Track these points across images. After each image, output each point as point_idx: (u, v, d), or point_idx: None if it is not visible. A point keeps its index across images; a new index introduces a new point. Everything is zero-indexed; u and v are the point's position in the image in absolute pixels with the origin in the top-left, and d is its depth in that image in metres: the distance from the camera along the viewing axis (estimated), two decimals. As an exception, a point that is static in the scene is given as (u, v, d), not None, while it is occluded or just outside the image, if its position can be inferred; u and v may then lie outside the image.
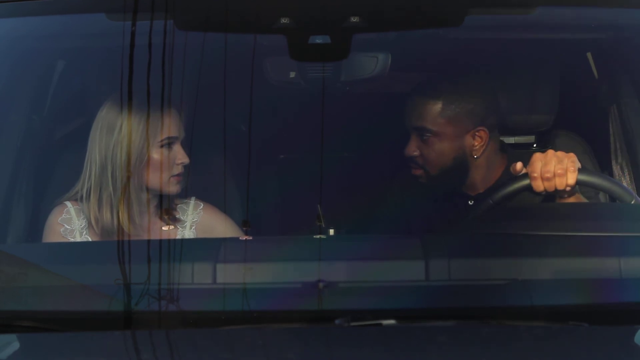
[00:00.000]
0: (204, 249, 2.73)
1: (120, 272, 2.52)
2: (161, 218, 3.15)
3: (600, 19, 3.21)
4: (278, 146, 3.85)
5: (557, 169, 2.98)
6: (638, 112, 3.37)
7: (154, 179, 3.06)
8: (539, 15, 3.10)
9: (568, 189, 3.00)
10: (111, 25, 2.99)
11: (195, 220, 3.18)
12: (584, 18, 3.21)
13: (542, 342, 2.32)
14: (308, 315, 2.38)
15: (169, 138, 3.06)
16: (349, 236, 3.14)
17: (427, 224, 3.32)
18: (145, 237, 3.06)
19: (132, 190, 3.04)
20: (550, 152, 3.03)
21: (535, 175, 3.00)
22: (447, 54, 3.38)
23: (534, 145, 3.59)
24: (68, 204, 3.13)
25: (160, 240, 3.03)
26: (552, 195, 3.04)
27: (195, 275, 2.50)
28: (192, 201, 3.21)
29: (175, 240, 3.03)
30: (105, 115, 3.05)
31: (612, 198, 3.06)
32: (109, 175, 3.03)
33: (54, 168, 3.33)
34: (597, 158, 3.48)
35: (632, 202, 2.97)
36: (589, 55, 3.57)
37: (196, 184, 3.19)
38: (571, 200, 3.04)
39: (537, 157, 3.02)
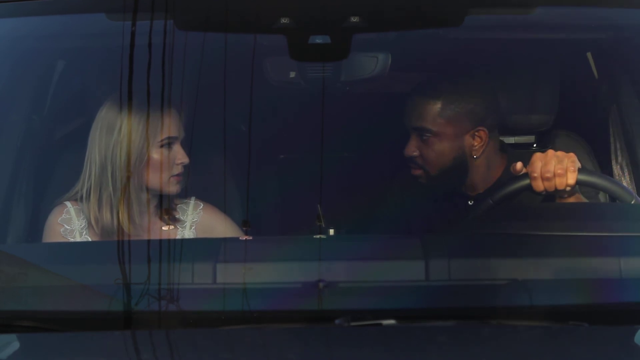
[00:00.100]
0: (204, 249, 2.73)
1: (120, 272, 2.52)
2: (161, 218, 3.15)
3: (600, 19, 3.21)
4: (278, 146, 3.85)
5: (557, 168, 2.98)
6: (638, 112, 3.37)
7: (154, 179, 3.06)
8: (539, 15, 3.10)
9: (568, 188, 3.00)
10: (111, 25, 2.99)
11: (195, 220, 3.18)
12: (584, 18, 3.21)
13: (542, 342, 2.32)
14: (308, 315, 2.38)
15: (168, 138, 3.06)
16: (349, 236, 3.14)
17: (427, 224, 3.32)
18: (145, 237, 3.06)
19: (132, 190, 3.04)
20: (550, 152, 3.03)
21: (535, 175, 3.00)
22: (447, 54, 3.38)
23: (534, 145, 3.59)
24: (68, 204, 3.13)
25: (160, 240, 3.03)
26: (552, 195, 3.04)
27: (195, 275, 2.50)
28: (192, 201, 3.21)
29: (175, 240, 3.03)
30: (105, 115, 3.05)
31: (612, 198, 3.06)
32: (109, 175, 3.03)
33: (54, 168, 3.33)
34: (597, 158, 3.48)
35: (632, 202, 2.97)
36: (589, 55, 3.57)
37: (196, 184, 3.19)
38: (571, 200, 3.04)
39: (537, 157, 3.02)
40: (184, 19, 2.95)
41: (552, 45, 3.42)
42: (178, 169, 3.08)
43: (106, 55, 3.08)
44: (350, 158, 3.71)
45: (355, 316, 2.30)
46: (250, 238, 2.87)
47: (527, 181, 3.02)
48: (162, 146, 3.06)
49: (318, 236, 2.74)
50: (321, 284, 2.44)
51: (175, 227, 3.16)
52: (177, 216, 3.17)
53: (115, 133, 3.03)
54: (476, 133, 3.30)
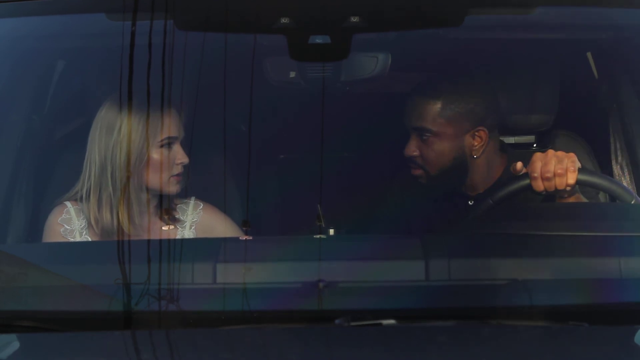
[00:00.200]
0: (204, 249, 2.73)
1: (120, 272, 2.52)
2: (161, 218, 3.15)
3: (600, 19, 3.21)
4: (278, 146, 3.85)
5: (557, 168, 2.98)
6: (638, 112, 3.37)
7: (154, 179, 3.06)
8: (539, 15, 3.10)
9: (568, 188, 3.00)
10: (111, 25, 2.99)
11: (195, 220, 3.18)
12: (584, 18, 3.21)
13: (542, 342, 2.32)
14: (308, 315, 2.38)
15: (168, 138, 3.06)
16: (349, 236, 3.14)
17: (427, 224, 3.32)
18: (145, 237, 3.06)
19: (132, 191, 3.04)
20: (550, 152, 3.03)
21: (535, 175, 3.00)
22: (447, 54, 3.38)
23: (534, 145, 3.59)
24: (68, 204, 3.13)
25: (160, 240, 3.03)
26: (552, 195, 3.04)
27: (195, 275, 2.50)
28: (192, 201, 3.21)
29: (175, 240, 3.03)
30: (105, 115, 3.05)
31: (612, 198, 3.06)
32: (109, 175, 3.03)
33: (54, 168, 3.33)
34: (597, 158, 3.48)
35: (632, 202, 2.97)
36: (589, 55, 3.57)
37: (196, 184, 3.19)
38: (571, 200, 3.04)
39: (537, 157, 3.02)
40: (184, 19, 2.95)
41: (552, 45, 3.42)
42: (178, 169, 3.08)
43: (106, 55, 3.08)
44: (350, 158, 3.71)
45: (355, 316, 2.30)
46: (250, 238, 2.87)
47: (527, 181, 3.02)
48: (162, 146, 3.06)
49: (318, 236, 2.74)
50: (321, 284, 2.44)
51: (175, 227, 3.16)
52: (177, 216, 3.17)
53: (115, 133, 3.03)
54: (476, 133, 3.30)
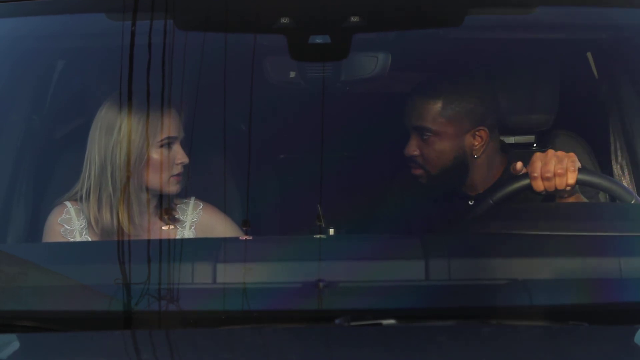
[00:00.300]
0: (204, 249, 2.73)
1: (120, 272, 2.52)
2: (161, 218, 3.15)
3: (600, 19, 3.21)
4: (278, 146, 3.85)
5: (557, 168, 2.98)
6: (638, 112, 3.37)
7: (154, 179, 3.06)
8: (539, 15, 3.10)
9: (568, 188, 3.00)
10: (111, 25, 2.99)
11: (195, 220, 3.18)
12: (584, 18, 3.21)
13: (542, 342, 2.32)
14: (308, 315, 2.38)
15: (168, 138, 3.06)
16: (349, 236, 3.14)
17: (427, 224, 3.31)
18: (145, 237, 3.06)
19: (132, 191, 3.04)
20: (551, 151, 3.03)
21: (536, 175, 3.00)
22: (447, 54, 3.38)
23: (534, 145, 3.59)
24: (68, 204, 3.13)
25: (160, 240, 3.03)
26: (552, 195, 3.04)
27: (195, 275, 2.50)
28: (192, 201, 3.21)
29: (175, 240, 3.03)
30: (105, 115, 3.05)
31: (612, 198, 3.06)
32: (109, 175, 3.03)
33: (54, 168, 3.33)
34: (597, 158, 3.47)
35: (632, 202, 2.97)
36: (589, 55, 3.57)
37: (196, 184, 3.19)
38: (571, 200, 3.04)
39: (537, 156, 3.02)
40: (184, 19, 2.95)
41: (552, 45, 3.42)
42: (178, 169, 3.08)
43: (106, 55, 3.08)
44: (350, 158, 3.70)
45: (355, 316, 2.30)
46: (250, 238, 2.87)
47: (527, 181, 3.02)
48: (161, 146, 3.06)
49: (318, 236, 2.74)
50: (321, 284, 2.44)
51: (175, 227, 3.16)
52: (176, 216, 3.17)
53: (114, 133, 3.03)
54: (477, 133, 3.30)
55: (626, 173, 3.38)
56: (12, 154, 3.20)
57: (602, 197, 3.21)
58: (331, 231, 2.77)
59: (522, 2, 3.09)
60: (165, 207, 3.14)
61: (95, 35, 3.16)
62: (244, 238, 2.93)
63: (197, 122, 3.08)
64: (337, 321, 2.29)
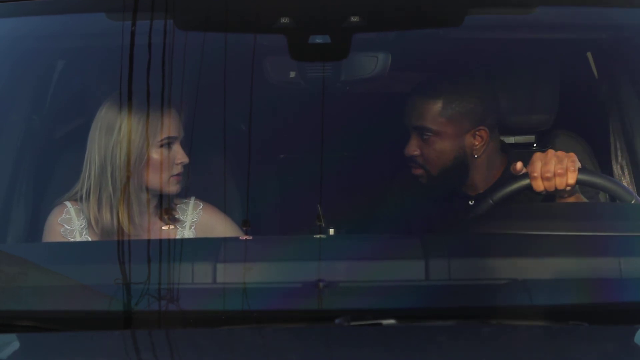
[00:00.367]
0: (204, 248, 2.73)
1: (120, 272, 2.52)
2: (161, 218, 3.15)
3: (600, 19, 3.21)
4: (278, 146, 3.85)
5: (557, 168, 2.98)
6: (638, 112, 3.37)
7: (154, 179, 3.06)
8: (539, 15, 3.10)
9: (568, 188, 3.00)
10: (111, 25, 2.99)
11: (195, 220, 3.18)
12: (584, 18, 3.21)
13: (542, 342, 2.32)
14: (308, 315, 2.38)
15: (168, 138, 3.06)
16: (349, 236, 3.14)
17: (427, 224, 3.31)
18: (145, 237, 3.06)
19: (132, 191, 3.04)
20: (551, 151, 3.03)
21: (536, 175, 3.00)
22: (447, 54, 3.38)
23: (534, 145, 3.59)
24: (68, 204, 3.13)
25: (160, 240, 3.03)
26: (552, 195, 3.04)
27: (195, 275, 2.50)
28: (192, 201, 3.21)
29: (175, 240, 3.03)
30: (105, 115, 3.05)
31: (612, 198, 3.06)
32: (109, 175, 3.03)
33: (54, 168, 3.33)
34: (597, 158, 3.47)
35: (632, 202, 2.97)
36: (589, 55, 3.57)
37: (196, 184, 3.19)
38: (571, 200, 3.04)
39: (537, 156, 3.02)
40: (184, 19, 2.95)
41: (552, 45, 3.42)
42: (178, 169, 3.08)
43: (106, 55, 3.08)
44: (350, 158, 3.70)
45: (355, 316, 2.30)
46: (250, 238, 2.87)
47: (527, 181, 3.02)
48: (161, 146, 3.06)
49: (318, 236, 2.74)
50: (321, 284, 2.44)
51: (175, 227, 3.16)
52: (176, 216, 3.17)
53: (114, 133, 3.03)
54: (477, 132, 3.30)
55: (626, 173, 3.38)
56: (12, 154, 3.20)
57: (602, 197, 3.21)
58: (331, 231, 2.77)
59: (522, 2, 3.09)
60: (165, 207, 3.14)
61: (95, 35, 3.16)
62: (244, 238, 2.93)
63: (197, 122, 3.08)
64: (337, 321, 2.29)
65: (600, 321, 2.36)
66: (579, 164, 3.01)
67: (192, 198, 3.21)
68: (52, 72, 3.40)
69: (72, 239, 3.08)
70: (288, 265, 2.56)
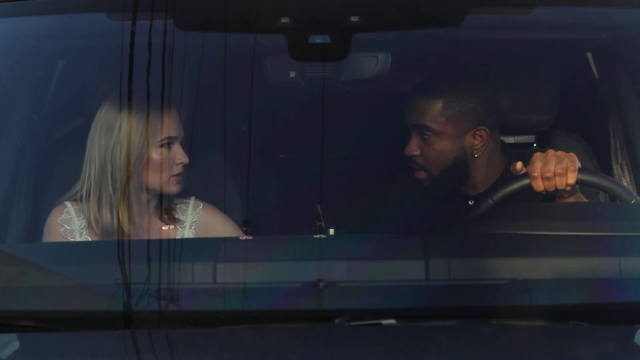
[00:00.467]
0: (204, 248, 2.73)
1: (120, 272, 2.52)
2: (161, 218, 3.15)
3: (600, 19, 3.21)
4: (278, 146, 3.85)
5: (557, 168, 2.98)
6: (638, 112, 3.37)
7: (154, 179, 3.06)
8: (539, 15, 3.10)
9: (568, 188, 3.00)
10: (111, 25, 2.99)
11: (195, 220, 3.18)
12: (584, 18, 3.21)
13: (542, 342, 2.32)
14: (308, 315, 2.38)
15: (168, 138, 3.06)
16: (349, 236, 3.14)
17: (427, 224, 3.31)
18: (145, 237, 3.06)
19: (132, 191, 3.04)
20: (551, 151, 3.03)
21: (536, 174, 3.00)
22: (447, 54, 3.38)
23: (534, 145, 3.59)
24: (68, 204, 3.13)
25: (160, 240, 3.03)
26: (552, 195, 3.04)
27: (195, 275, 2.50)
28: (192, 201, 3.21)
29: (175, 240, 3.03)
30: (105, 115, 3.05)
31: (612, 198, 3.06)
32: (109, 175, 3.03)
33: (54, 168, 3.33)
34: (597, 158, 3.48)
35: (632, 202, 2.97)
36: (589, 55, 3.57)
37: (196, 184, 3.19)
38: (571, 200, 3.04)
39: (537, 156, 3.02)
40: (184, 19, 2.95)
41: (552, 45, 3.42)
42: (178, 169, 3.08)
43: (106, 55, 3.08)
44: (350, 158, 3.70)
45: (355, 316, 2.30)
46: (250, 238, 2.87)
47: (527, 181, 3.02)
48: (161, 146, 3.06)
49: (318, 236, 2.74)
50: (321, 284, 2.44)
51: (175, 227, 3.16)
52: (176, 216, 3.17)
53: (114, 133, 3.03)
54: (477, 132, 3.30)
55: (626, 173, 3.38)
56: (12, 154, 3.20)
57: (602, 197, 3.21)
58: (331, 231, 2.77)
59: (522, 2, 3.09)
60: (165, 207, 3.14)
61: (95, 35, 3.16)
62: (244, 238, 2.93)
63: (197, 122, 3.08)
64: (337, 321, 2.29)
65: (600, 321, 2.36)
66: (579, 164, 3.01)
67: (192, 198, 3.21)
68: (52, 72, 3.40)
69: (72, 239, 3.08)
70: (288, 265, 2.56)
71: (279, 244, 2.77)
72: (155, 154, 3.04)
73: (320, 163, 3.05)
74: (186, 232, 3.16)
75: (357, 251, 2.64)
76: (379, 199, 3.44)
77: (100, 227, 3.05)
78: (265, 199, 3.56)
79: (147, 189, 3.08)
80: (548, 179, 2.99)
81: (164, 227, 3.15)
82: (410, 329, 2.31)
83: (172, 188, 3.10)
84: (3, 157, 3.18)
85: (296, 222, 3.12)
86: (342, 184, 3.22)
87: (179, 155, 3.07)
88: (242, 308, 2.41)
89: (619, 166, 3.41)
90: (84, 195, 3.07)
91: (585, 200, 3.11)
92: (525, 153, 3.28)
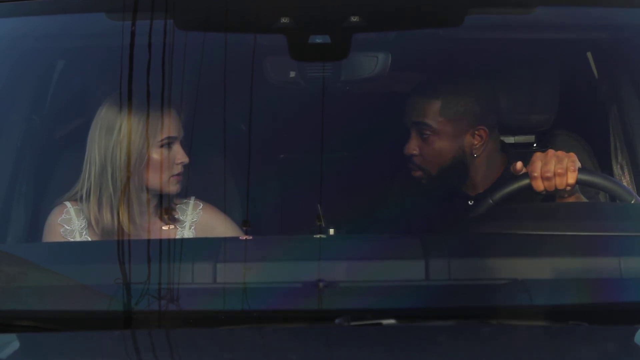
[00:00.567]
0: (204, 248, 2.73)
1: (120, 272, 2.52)
2: (161, 218, 3.15)
3: (600, 19, 3.21)
4: (278, 146, 3.85)
5: (557, 168, 2.98)
6: (638, 112, 3.37)
7: (154, 179, 3.06)
8: (539, 15, 3.10)
9: (568, 188, 3.00)
10: (111, 25, 2.99)
11: (195, 220, 3.18)
12: (584, 18, 3.21)
13: (542, 342, 2.32)
14: (308, 315, 2.38)
15: (168, 138, 3.06)
16: (349, 236, 3.14)
17: (427, 224, 3.31)
18: (145, 237, 3.05)
19: (132, 191, 3.04)
20: (551, 151, 3.03)
21: (536, 174, 3.00)
22: (447, 54, 3.38)
23: (534, 145, 3.59)
24: (68, 204, 3.13)
25: (160, 240, 3.03)
26: (552, 195, 3.04)
27: (195, 275, 2.50)
28: (192, 201, 3.21)
29: (175, 240, 3.03)
30: (105, 115, 3.05)
31: (612, 198, 3.06)
32: (109, 175, 3.03)
33: (54, 168, 3.33)
34: (597, 158, 3.48)
35: (632, 202, 2.97)
36: (589, 55, 3.57)
37: (196, 184, 3.19)
38: (571, 199, 3.04)
39: (537, 156, 3.02)
40: (184, 19, 2.95)
41: (552, 45, 3.42)
42: (178, 169, 3.08)
43: (106, 55, 3.08)
44: (350, 158, 3.70)
45: (355, 316, 2.30)
46: (250, 238, 2.87)
47: (527, 181, 3.02)
48: (162, 146, 3.05)
49: (318, 236, 2.74)
50: (321, 284, 2.44)
51: (174, 227, 3.16)
52: (176, 216, 3.17)
53: (114, 133, 3.03)
54: (476, 132, 3.30)
55: (626, 173, 3.38)
56: (12, 154, 3.20)
57: (602, 197, 3.21)
58: (331, 231, 2.77)
59: (522, 2, 3.09)
60: (165, 207, 3.14)
61: (95, 35, 3.16)
62: (244, 238, 2.93)
63: (197, 122, 3.08)
64: (337, 321, 2.29)
65: (600, 321, 2.36)
66: (579, 164, 3.01)
67: (192, 198, 3.21)
68: (52, 72, 3.40)
69: (72, 239, 3.08)
70: (288, 265, 2.56)
71: (279, 244, 2.77)
72: (156, 154, 3.04)
73: (320, 163, 3.05)
74: (186, 232, 3.16)
75: (357, 251, 2.64)
76: (379, 199, 3.44)
77: (101, 227, 3.05)
78: (265, 199, 3.56)
79: (147, 189, 3.08)
80: (548, 179, 2.99)
81: (164, 227, 3.15)
82: (410, 329, 2.31)
83: (173, 188, 3.10)
84: (3, 157, 3.18)
85: (296, 222, 3.12)
86: (342, 184, 3.22)
87: (179, 155, 3.07)
88: (242, 308, 2.41)
89: (619, 166, 3.41)
90: (84, 196, 3.07)
91: (585, 200, 3.11)
92: (525, 153, 3.28)
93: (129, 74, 2.82)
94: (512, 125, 3.53)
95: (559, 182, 2.98)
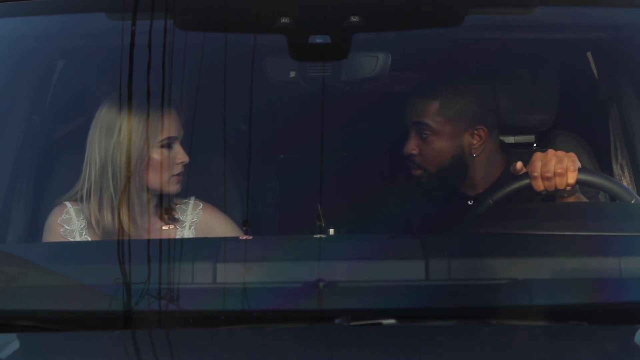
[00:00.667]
0: (204, 248, 2.73)
1: (120, 272, 2.52)
2: (161, 218, 3.15)
3: (600, 19, 3.21)
4: (278, 146, 3.85)
5: (557, 168, 2.98)
6: (638, 112, 3.37)
7: (154, 179, 3.06)
8: (539, 15, 3.10)
9: (568, 188, 3.00)
10: (111, 25, 2.99)
11: (195, 220, 3.18)
12: (584, 18, 3.21)
13: (542, 342, 2.32)
14: (308, 315, 2.38)
15: (169, 138, 3.05)
16: (349, 236, 3.14)
17: (427, 224, 3.31)
18: (145, 237, 3.05)
19: (133, 191, 3.04)
20: (551, 151, 3.03)
21: (536, 174, 3.00)
22: (447, 54, 3.38)
23: (534, 145, 3.59)
24: (68, 204, 3.13)
25: (160, 240, 3.03)
26: (552, 195, 3.04)
27: (195, 275, 2.50)
28: (192, 201, 3.21)
29: (175, 240, 3.03)
30: (105, 116, 3.05)
31: (612, 198, 3.06)
32: (110, 176, 3.03)
33: (54, 168, 3.33)
34: (597, 158, 3.48)
35: (632, 202, 2.97)
36: (589, 55, 3.57)
37: (196, 184, 3.19)
38: (571, 199, 3.04)
39: (537, 156, 3.02)
40: (184, 19, 2.95)
41: (552, 45, 3.42)
42: (178, 169, 3.08)
43: (106, 55, 3.08)
44: (350, 158, 3.70)
45: (355, 316, 2.30)
46: (250, 238, 2.87)
47: (527, 181, 3.02)
48: (162, 146, 3.05)
49: (318, 236, 2.74)
50: (321, 284, 2.44)
51: (174, 227, 3.16)
52: (176, 216, 3.17)
53: (115, 133, 3.03)
54: (475, 132, 3.30)
55: (626, 173, 3.38)
56: (12, 154, 3.20)
57: (602, 197, 3.21)
58: (331, 231, 2.77)
59: (522, 2, 3.09)
60: (165, 207, 3.14)
61: (95, 35, 3.16)
62: (244, 238, 2.93)
63: (197, 122, 3.08)
64: (337, 321, 2.29)
65: (600, 321, 2.36)
66: (579, 164, 3.01)
67: (192, 198, 3.21)
68: (52, 72, 3.40)
69: (72, 239, 3.08)
70: (288, 265, 2.56)
71: (279, 244, 2.77)
72: (156, 154, 3.04)
73: (320, 163, 3.05)
74: (186, 232, 3.16)
75: (357, 251, 2.64)
76: (379, 199, 3.44)
77: (101, 227, 3.05)
78: (265, 199, 3.56)
79: (148, 189, 3.07)
80: (548, 178, 2.99)
81: (164, 227, 3.15)
82: (410, 329, 2.31)
83: (173, 188, 3.10)
84: (3, 157, 3.18)
85: (296, 222, 3.12)
86: (342, 184, 3.22)
87: (180, 154, 3.07)
88: (242, 308, 2.41)
89: (619, 166, 3.41)
90: (84, 196, 3.07)
91: (585, 200, 3.11)
92: (525, 153, 3.28)
93: (129, 74, 2.82)
94: (512, 125, 3.53)
95: (559, 182, 2.98)
